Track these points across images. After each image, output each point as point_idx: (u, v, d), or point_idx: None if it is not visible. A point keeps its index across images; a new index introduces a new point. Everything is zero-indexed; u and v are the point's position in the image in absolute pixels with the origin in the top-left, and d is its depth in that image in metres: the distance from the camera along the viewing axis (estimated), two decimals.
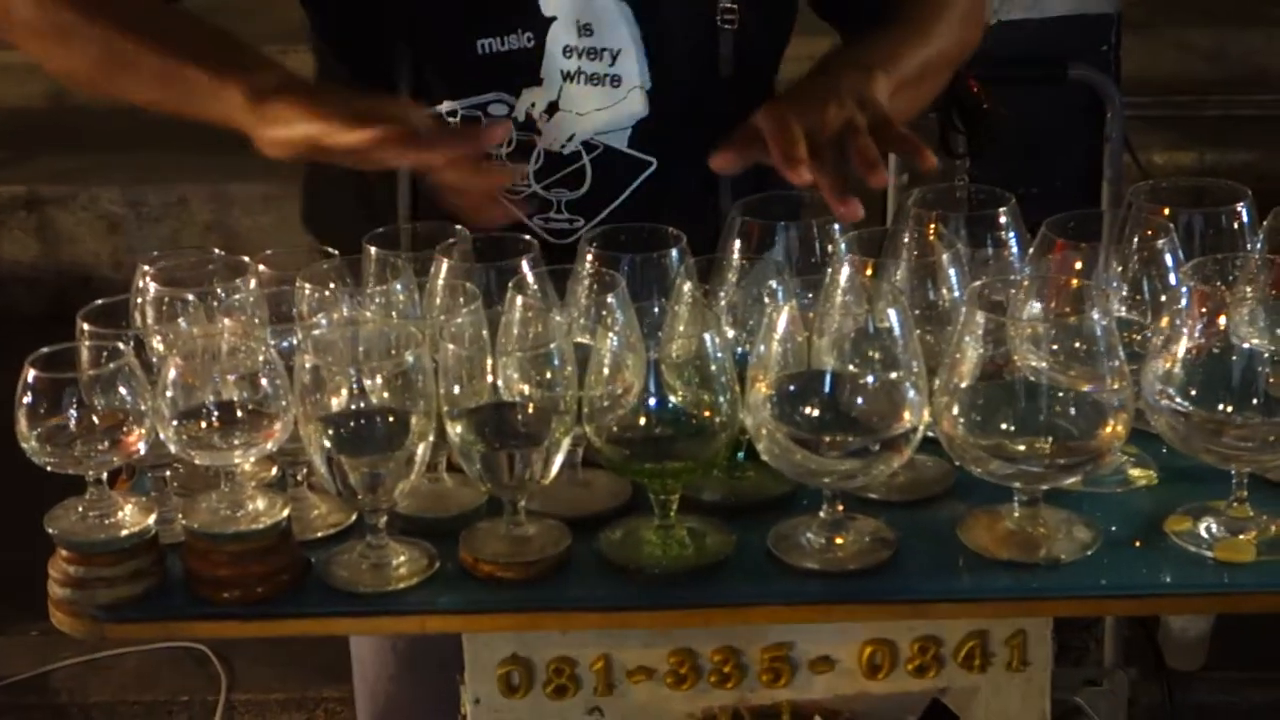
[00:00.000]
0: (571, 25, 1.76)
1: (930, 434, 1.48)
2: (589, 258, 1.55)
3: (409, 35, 1.75)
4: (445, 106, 1.77)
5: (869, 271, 1.52)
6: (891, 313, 1.40)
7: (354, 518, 1.51)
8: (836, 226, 1.60)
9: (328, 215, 1.88)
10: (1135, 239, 1.56)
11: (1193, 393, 1.41)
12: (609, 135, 1.80)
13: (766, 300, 1.50)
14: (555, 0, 1.76)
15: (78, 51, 1.70)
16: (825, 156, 1.57)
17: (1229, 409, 1.39)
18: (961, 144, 2.68)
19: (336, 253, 1.60)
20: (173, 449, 1.44)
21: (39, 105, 4.57)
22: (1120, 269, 1.56)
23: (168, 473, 1.54)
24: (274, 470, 1.57)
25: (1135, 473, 1.55)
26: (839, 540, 1.45)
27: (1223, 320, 1.43)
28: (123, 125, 4.42)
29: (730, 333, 1.51)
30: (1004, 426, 1.42)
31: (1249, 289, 1.47)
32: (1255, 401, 1.39)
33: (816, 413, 1.41)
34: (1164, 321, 1.44)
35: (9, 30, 1.73)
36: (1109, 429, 1.40)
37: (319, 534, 1.50)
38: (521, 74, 1.77)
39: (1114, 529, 1.47)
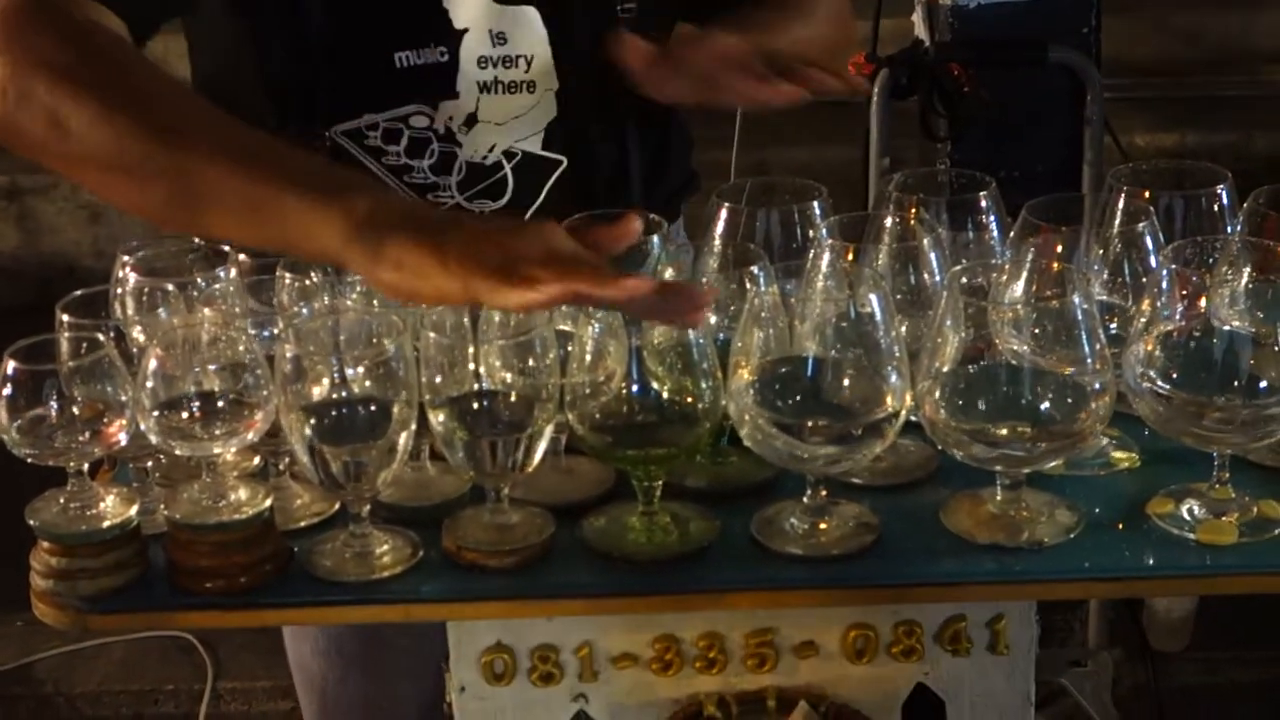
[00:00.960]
0: (484, 35, 1.74)
1: (913, 419, 1.48)
2: None
3: (329, 51, 1.72)
4: (366, 119, 1.75)
5: (850, 256, 1.52)
6: (873, 297, 1.40)
7: (337, 507, 1.50)
8: (818, 211, 1.60)
9: None
10: (1115, 222, 1.57)
11: (1174, 375, 1.41)
12: (525, 141, 1.79)
13: (748, 286, 1.49)
14: (467, 12, 1.73)
15: (151, 186, 1.45)
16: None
17: (1210, 392, 1.40)
18: (942, 127, 2.68)
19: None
20: (154, 440, 1.44)
21: None
22: (1101, 252, 1.56)
23: (149, 463, 1.54)
24: (256, 460, 1.56)
25: (1117, 455, 1.55)
26: (822, 525, 1.45)
27: (1203, 303, 1.44)
28: None
29: (712, 319, 1.51)
30: (985, 410, 1.42)
31: (1229, 271, 1.47)
32: (1236, 384, 1.39)
33: (799, 398, 1.41)
34: (1145, 304, 1.44)
35: (68, 163, 1.49)
36: (1090, 412, 1.40)
37: (302, 523, 1.50)
38: (438, 87, 1.75)
39: (1096, 511, 1.47)
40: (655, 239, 1.56)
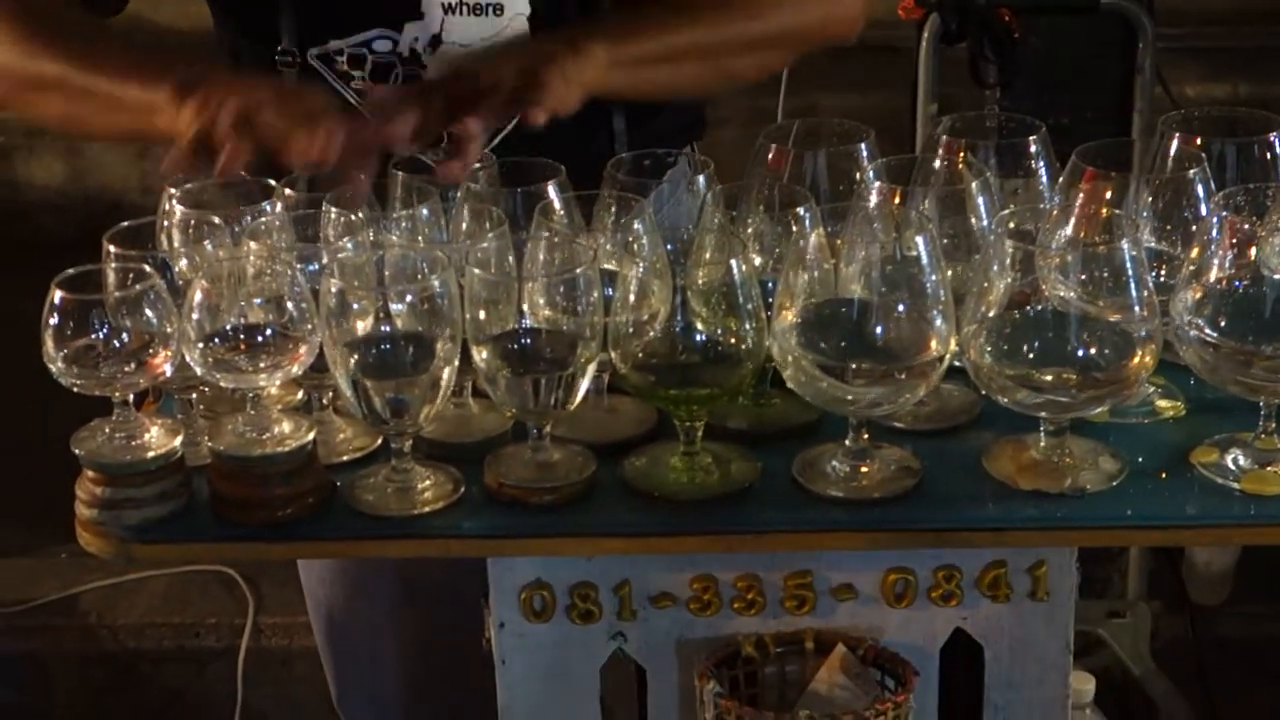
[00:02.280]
0: None
1: (957, 363, 1.47)
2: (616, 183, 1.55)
3: None
4: (332, 45, 1.76)
5: (897, 199, 1.51)
6: (919, 239, 1.39)
7: (379, 442, 1.51)
8: (865, 153, 1.59)
9: None
10: (1166, 169, 1.55)
11: (1222, 323, 1.40)
12: None
13: (793, 227, 1.49)
14: None
15: (47, 102, 1.69)
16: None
17: (1258, 340, 1.38)
18: (992, 74, 2.65)
19: (364, 178, 1.59)
20: (198, 372, 1.44)
21: None
22: (1151, 199, 1.55)
23: (194, 395, 1.54)
24: (300, 394, 1.57)
25: (1163, 404, 1.54)
26: (864, 469, 1.44)
27: (1253, 251, 1.42)
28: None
29: (757, 260, 1.51)
30: (1031, 356, 1.41)
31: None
32: None
33: (843, 341, 1.41)
34: (1194, 252, 1.43)
35: None
36: (1137, 359, 1.40)
37: (344, 458, 1.50)
38: (402, 8, 1.75)
39: (1140, 460, 1.46)
40: (701, 179, 1.56)
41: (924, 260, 1.40)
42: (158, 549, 1.44)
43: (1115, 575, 2.91)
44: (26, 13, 1.69)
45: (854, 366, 1.40)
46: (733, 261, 1.41)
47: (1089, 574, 2.71)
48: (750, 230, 1.53)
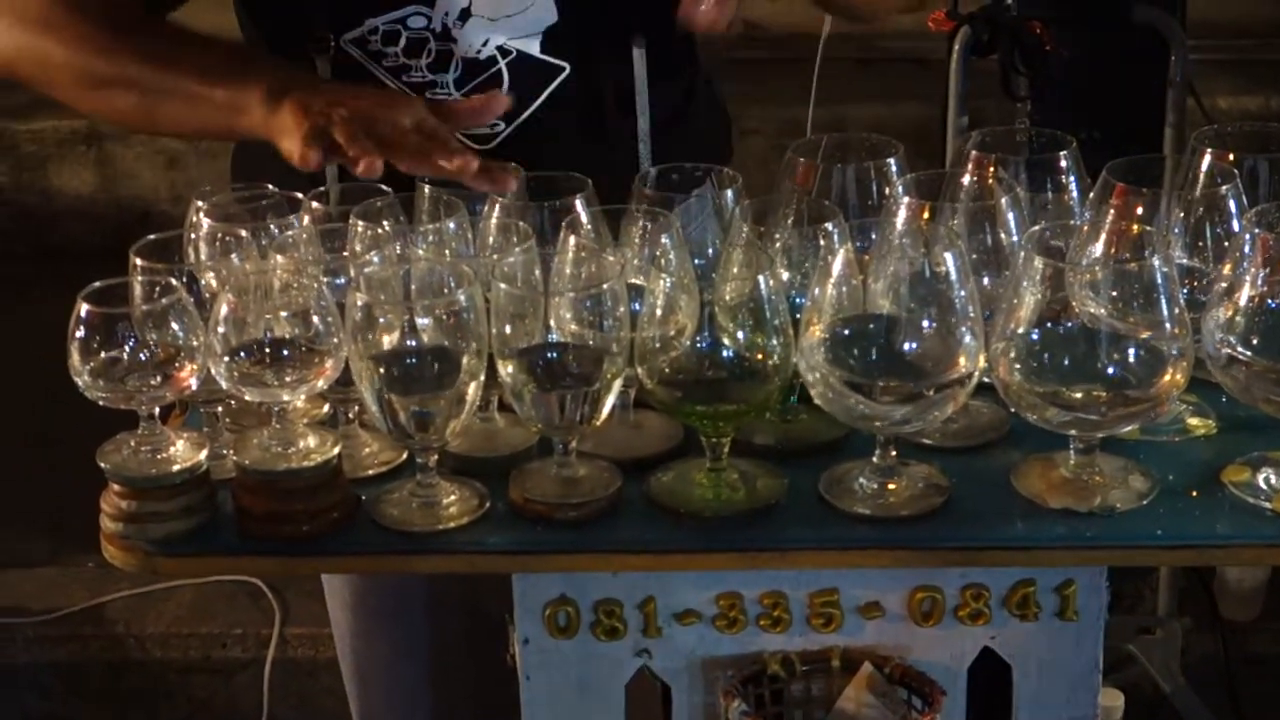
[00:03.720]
0: None
1: (986, 380, 1.46)
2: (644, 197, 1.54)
3: None
4: (367, 25, 1.78)
5: (926, 215, 1.50)
6: (948, 256, 1.38)
7: (405, 456, 1.50)
8: (894, 167, 1.58)
9: (256, 166, 1.79)
10: (1198, 185, 1.54)
11: (1254, 341, 1.39)
12: (520, 41, 1.79)
13: (821, 243, 1.48)
14: None
15: (118, 98, 1.72)
16: None
17: None
18: (1023, 86, 2.64)
19: (391, 190, 1.59)
20: (224, 385, 1.44)
21: None
22: (1182, 215, 1.54)
23: (220, 409, 1.54)
24: (325, 408, 1.57)
25: (1194, 422, 1.53)
26: (891, 486, 1.44)
27: None
28: None
29: (785, 275, 1.50)
30: (1060, 373, 1.40)
31: None
32: None
33: (871, 357, 1.40)
34: (1226, 268, 1.41)
35: (49, 87, 1.76)
36: (1168, 377, 1.38)
37: (370, 472, 1.50)
38: None
39: (1170, 478, 1.45)
40: (729, 193, 1.55)
41: (953, 276, 1.39)
42: (182, 562, 1.44)
43: (1146, 591, 2.89)
44: (105, 15, 1.72)
45: (881, 384, 1.39)
46: (760, 276, 1.40)
47: (1119, 590, 2.70)
48: (778, 245, 1.52)
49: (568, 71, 1.81)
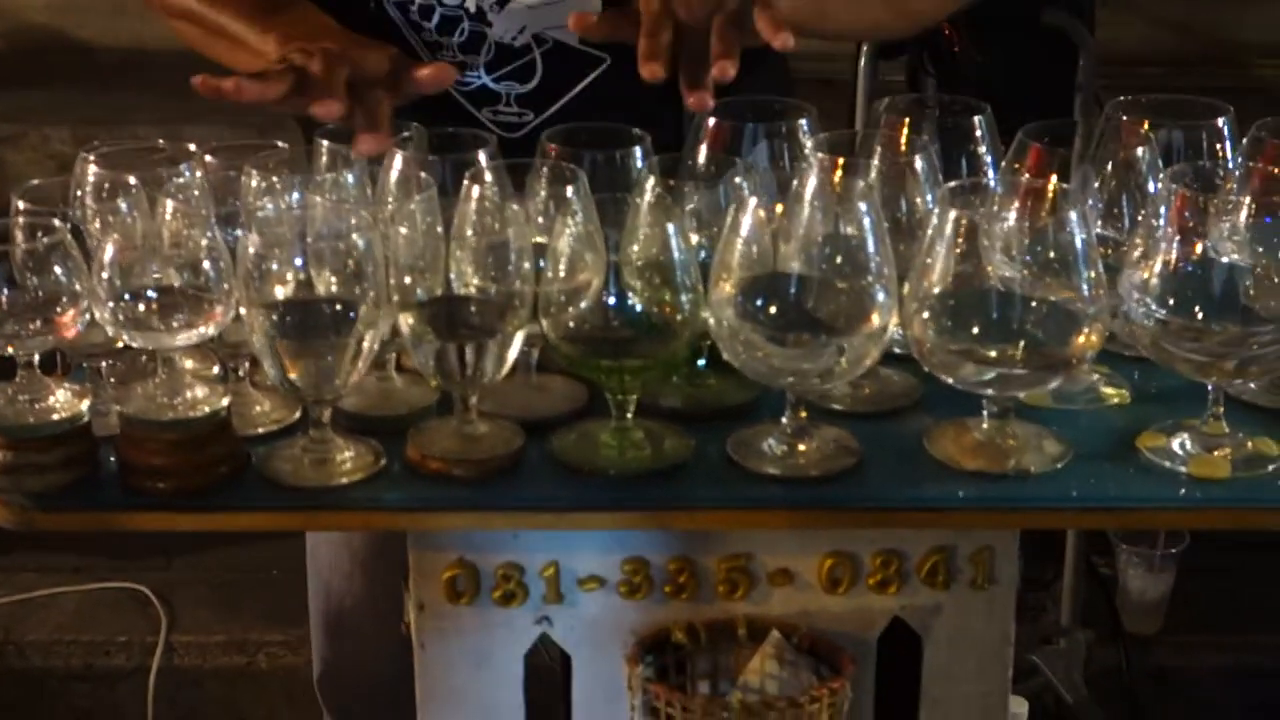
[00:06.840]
0: None
1: (898, 350, 1.43)
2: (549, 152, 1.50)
3: None
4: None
5: (838, 173, 1.47)
6: (861, 205, 1.35)
7: (298, 415, 1.44)
8: (805, 127, 1.54)
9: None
10: (1114, 153, 1.52)
11: (1170, 301, 1.36)
12: (559, 30, 1.76)
13: (731, 199, 1.44)
14: None
15: (188, 29, 1.81)
16: (688, 42, 1.52)
17: (1207, 317, 1.35)
18: (931, 88, 2.64)
19: (286, 145, 1.53)
20: (110, 331, 1.38)
21: None
22: (1097, 184, 1.51)
23: (104, 364, 1.48)
24: (215, 368, 1.51)
25: (1107, 391, 1.50)
26: (801, 447, 1.39)
27: (1201, 230, 1.39)
28: (74, 63, 4.35)
29: (695, 237, 1.46)
30: (975, 333, 1.37)
31: (1229, 200, 1.42)
32: (1233, 312, 1.35)
33: (782, 313, 1.36)
34: (1141, 229, 1.39)
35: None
36: (1083, 338, 1.35)
37: (260, 430, 1.44)
38: None
39: (1085, 444, 1.42)
40: (638, 151, 1.51)
41: (867, 230, 1.35)
42: (61, 517, 1.37)
43: (1049, 602, 2.87)
44: None
45: (793, 337, 1.35)
46: (669, 228, 1.36)
47: (1022, 600, 2.68)
48: (690, 207, 1.48)
49: (607, 64, 1.78)
